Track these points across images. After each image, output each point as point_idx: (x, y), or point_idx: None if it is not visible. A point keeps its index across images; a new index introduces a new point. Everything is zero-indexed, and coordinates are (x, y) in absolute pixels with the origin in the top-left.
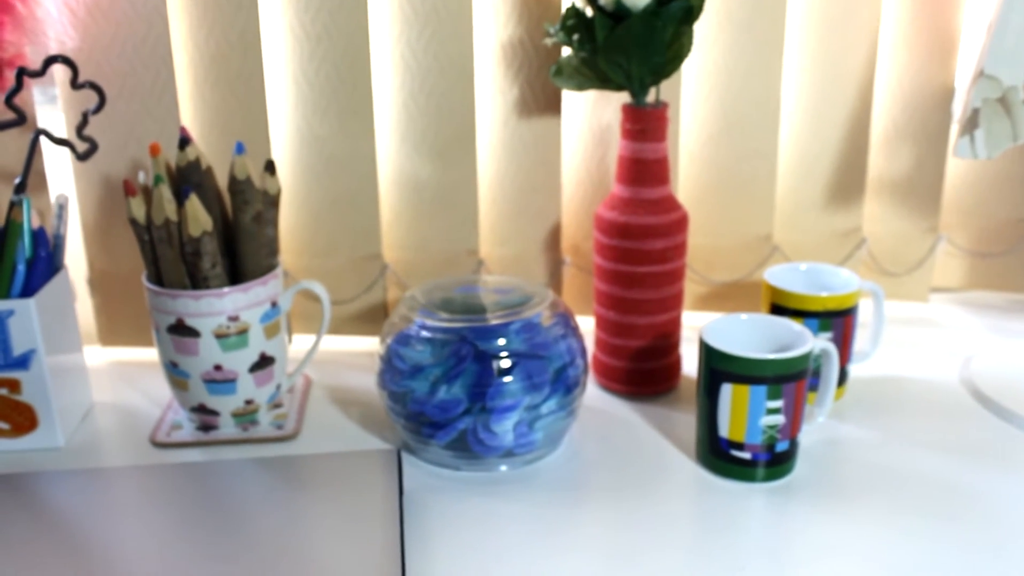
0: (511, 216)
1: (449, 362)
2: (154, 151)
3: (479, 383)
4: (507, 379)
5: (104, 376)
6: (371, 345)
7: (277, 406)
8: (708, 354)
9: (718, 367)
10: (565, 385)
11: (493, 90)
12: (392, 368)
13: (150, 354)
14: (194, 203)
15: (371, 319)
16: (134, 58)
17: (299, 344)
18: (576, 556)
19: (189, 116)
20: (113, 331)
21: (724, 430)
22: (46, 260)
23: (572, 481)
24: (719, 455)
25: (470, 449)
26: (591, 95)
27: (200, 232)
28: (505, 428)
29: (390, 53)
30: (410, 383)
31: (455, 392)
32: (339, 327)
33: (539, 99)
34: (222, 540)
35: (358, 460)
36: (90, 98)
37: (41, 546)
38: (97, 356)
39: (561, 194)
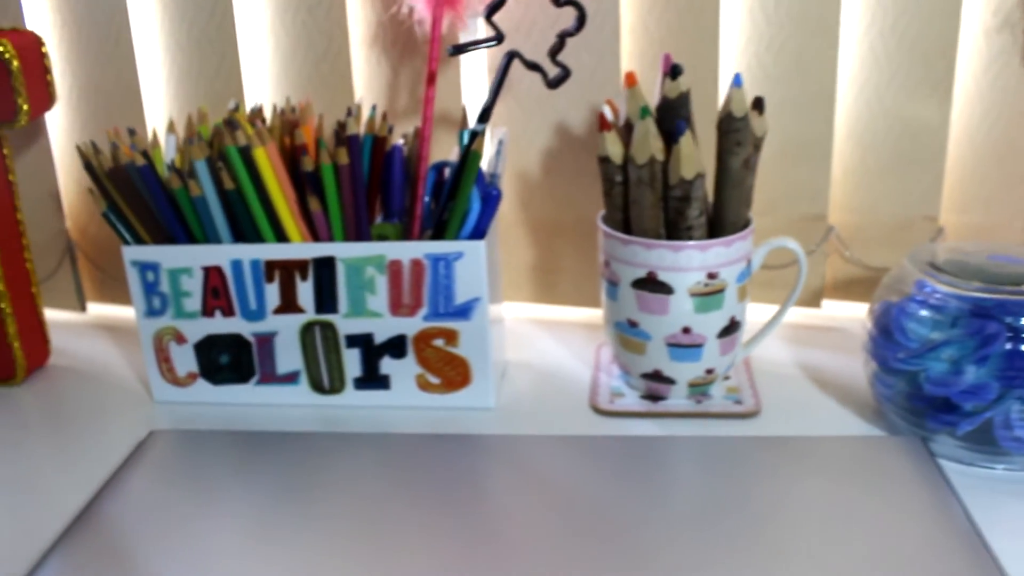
0: (980, 178)
1: (972, 340)
2: (630, 81)
3: (1012, 367)
4: None
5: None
6: (805, 317)
7: (726, 378)
8: None
9: None
10: None
11: (976, 30)
12: (893, 342)
13: (537, 312)
14: (689, 141)
15: (809, 288)
16: None
17: None
18: None
19: (627, 49)
20: (510, 285)
21: None
22: (495, 200)
23: None
24: None
25: (996, 443)
26: None
27: (694, 174)
28: None
29: None
30: (923, 361)
31: (982, 376)
32: (771, 295)
33: None
34: (729, 526)
35: (855, 447)
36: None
37: (493, 516)
38: None
39: None
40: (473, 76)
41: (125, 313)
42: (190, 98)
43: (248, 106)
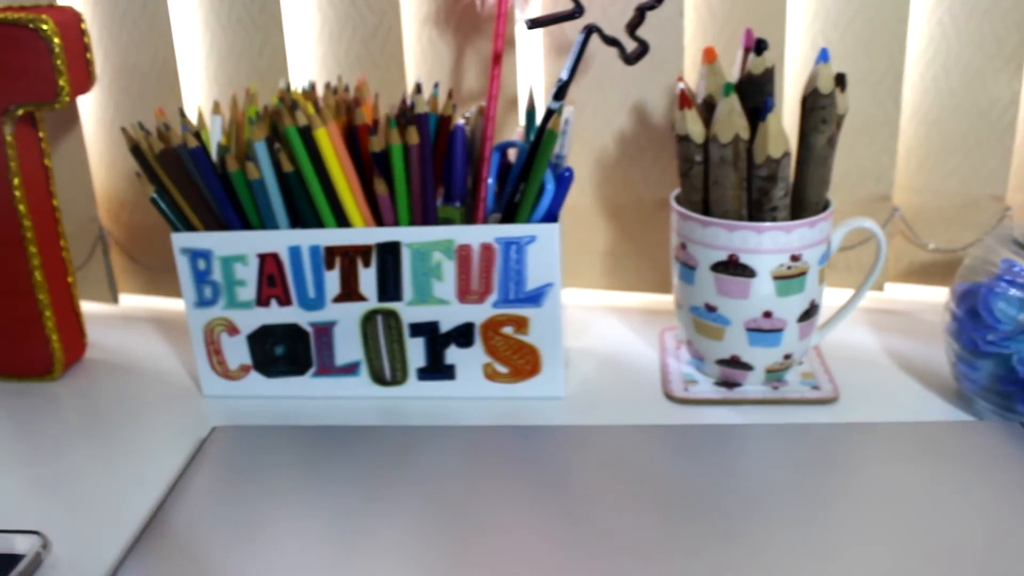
0: None
1: None
2: (710, 56)
3: None
4: None
5: None
6: (868, 300)
7: (799, 364)
8: None
9: None
10: None
11: None
12: (982, 324)
13: (593, 297)
14: (777, 118)
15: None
16: None
17: None
18: None
19: (691, 26)
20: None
21: None
22: (568, 181)
23: None
24: None
25: None
26: None
27: (782, 153)
28: None
29: None
30: (1015, 344)
31: None
32: (832, 278)
33: None
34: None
35: (947, 432)
36: None
37: (580, 508)
38: None
39: None
40: (529, 54)
41: (159, 304)
42: (231, 79)
43: (293, 87)
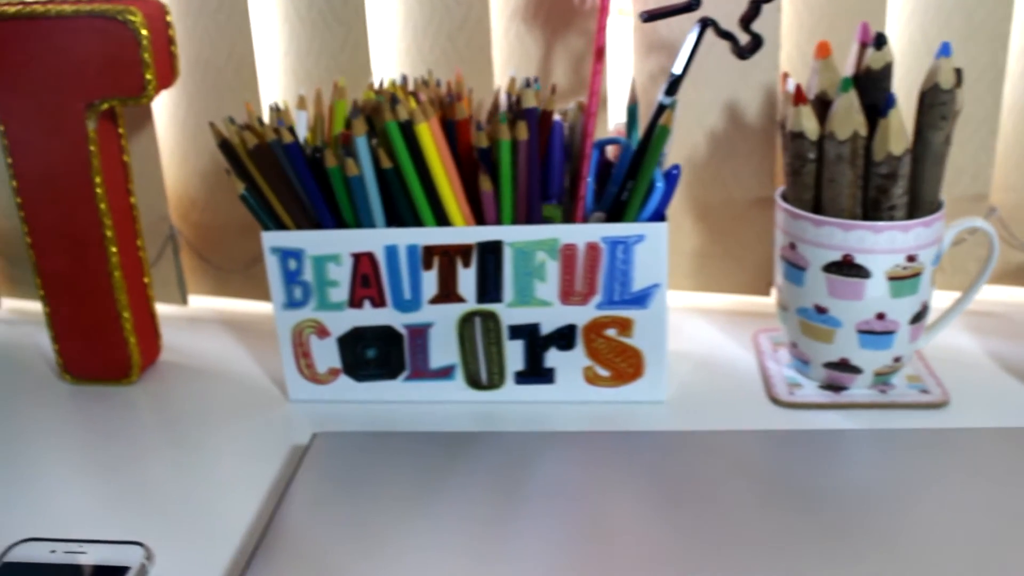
0: None
1: None
2: (823, 51)
3: None
4: None
5: None
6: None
7: (904, 366)
8: None
9: None
10: None
11: None
12: None
13: (682, 299)
14: (899, 114)
15: (968, 272)
16: None
17: None
18: None
19: (787, 21)
20: None
21: None
22: (675, 179)
23: None
24: None
25: None
26: None
27: (903, 150)
28: None
29: None
30: None
31: None
32: None
33: None
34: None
35: None
36: None
37: (699, 515)
38: None
39: None
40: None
41: (228, 305)
42: (310, 74)
43: (377, 82)
